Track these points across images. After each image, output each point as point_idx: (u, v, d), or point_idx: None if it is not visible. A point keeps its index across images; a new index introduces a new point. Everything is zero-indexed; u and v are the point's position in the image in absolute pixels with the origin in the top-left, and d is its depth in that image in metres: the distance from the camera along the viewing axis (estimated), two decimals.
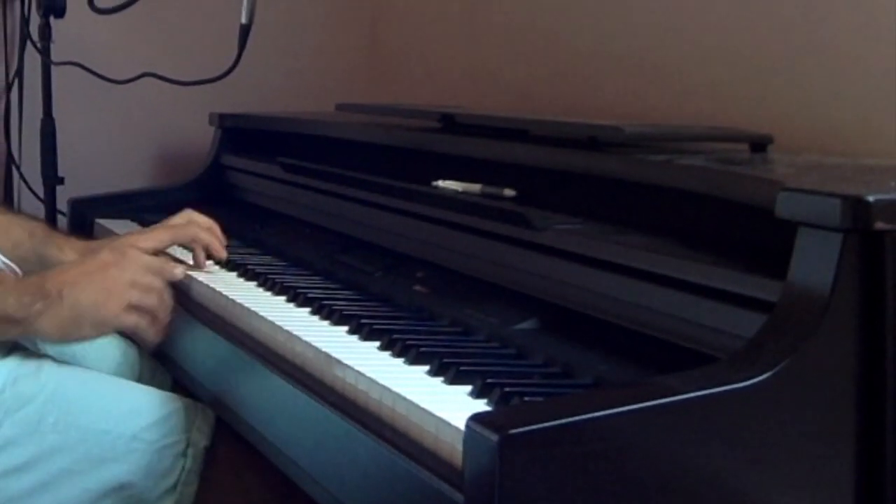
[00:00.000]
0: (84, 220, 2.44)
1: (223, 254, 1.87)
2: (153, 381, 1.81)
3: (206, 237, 1.85)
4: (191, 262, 1.86)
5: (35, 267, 1.81)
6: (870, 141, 1.75)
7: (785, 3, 1.91)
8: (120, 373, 1.84)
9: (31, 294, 1.58)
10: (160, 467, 1.66)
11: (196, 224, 1.86)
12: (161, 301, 1.68)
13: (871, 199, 1.06)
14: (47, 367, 1.68)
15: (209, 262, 1.87)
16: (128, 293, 1.63)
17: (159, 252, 1.80)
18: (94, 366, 1.80)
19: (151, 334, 1.67)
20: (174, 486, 1.67)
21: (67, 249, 1.86)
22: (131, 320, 1.64)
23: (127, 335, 1.95)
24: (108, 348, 1.91)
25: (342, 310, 1.56)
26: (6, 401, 1.61)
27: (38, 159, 2.67)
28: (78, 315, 1.60)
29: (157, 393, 1.72)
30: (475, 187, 1.74)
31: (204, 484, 1.69)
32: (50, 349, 1.75)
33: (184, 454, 1.68)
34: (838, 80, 1.82)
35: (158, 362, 1.90)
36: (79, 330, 1.61)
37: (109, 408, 1.67)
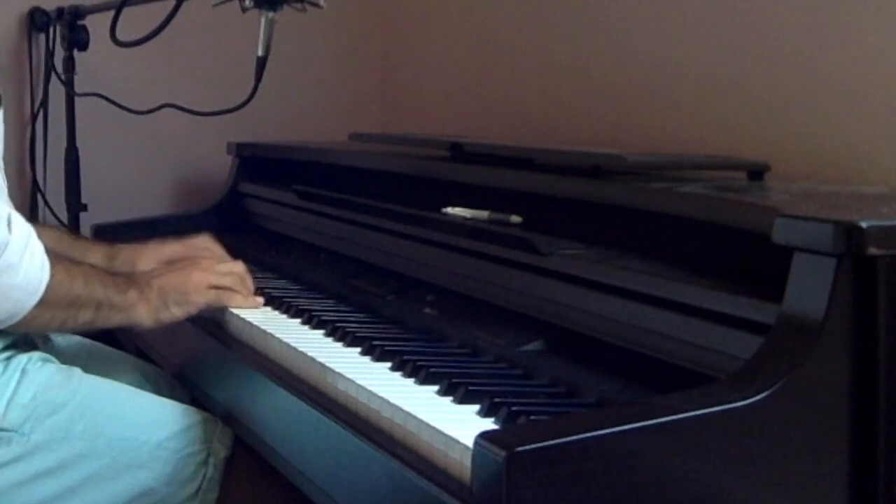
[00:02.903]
0: None
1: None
2: (173, 398, 1.81)
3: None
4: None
5: None
6: (863, 169, 1.76)
7: (781, 39, 1.92)
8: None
9: (126, 285, 1.70)
10: (183, 475, 1.68)
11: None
12: (238, 281, 1.80)
13: (863, 224, 1.06)
14: (77, 377, 1.70)
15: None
16: (206, 276, 1.77)
17: None
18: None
19: (239, 301, 1.78)
20: (196, 493, 1.69)
21: (91, 253, 1.93)
22: (212, 295, 1.76)
23: (149, 357, 1.96)
24: (129, 367, 1.92)
25: (355, 332, 1.56)
26: (38, 408, 1.63)
27: (63, 187, 2.69)
28: (165, 297, 1.71)
29: (180, 405, 1.74)
30: (483, 214, 1.75)
31: (223, 492, 1.70)
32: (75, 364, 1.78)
33: (205, 463, 1.69)
34: (833, 111, 1.82)
35: (178, 381, 1.90)
36: (167, 309, 1.72)
37: (135, 417, 1.69)
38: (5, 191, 1.65)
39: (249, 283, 1.82)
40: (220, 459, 1.70)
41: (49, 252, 1.60)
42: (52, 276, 1.59)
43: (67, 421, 1.64)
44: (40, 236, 1.62)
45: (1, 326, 1.60)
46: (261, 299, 1.82)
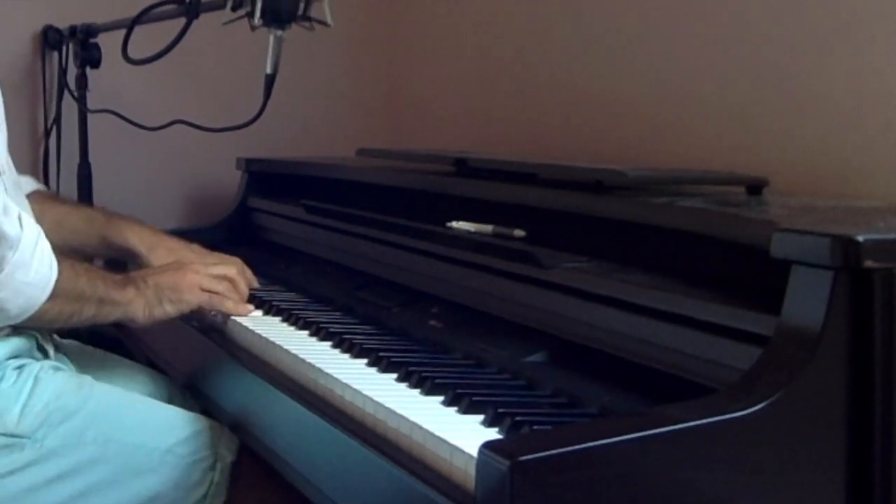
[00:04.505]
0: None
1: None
2: (183, 407, 1.82)
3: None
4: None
5: (99, 250, 2.02)
6: (859, 184, 1.76)
7: (780, 57, 1.92)
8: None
9: (124, 282, 1.74)
10: (191, 480, 1.69)
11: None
12: (230, 288, 1.82)
13: (860, 238, 1.07)
14: (88, 385, 1.72)
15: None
16: (200, 279, 1.79)
17: None
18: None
19: (229, 307, 1.80)
20: (203, 498, 1.70)
21: (127, 229, 2.00)
22: (203, 297, 1.78)
23: (159, 367, 1.97)
24: (140, 378, 1.93)
25: (361, 343, 1.56)
26: (51, 415, 1.65)
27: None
28: (160, 294, 1.75)
29: (187, 413, 1.75)
30: (487, 228, 1.75)
31: (230, 497, 1.71)
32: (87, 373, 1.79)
33: (212, 468, 1.70)
34: (830, 128, 1.83)
35: (188, 392, 1.91)
36: (161, 307, 1.75)
37: (145, 424, 1.70)
38: (19, 191, 1.68)
39: (243, 289, 1.85)
40: (226, 465, 1.71)
41: (55, 250, 1.63)
42: (59, 272, 1.62)
43: (79, 427, 1.65)
44: (62, 222, 1.65)
45: (15, 322, 1.63)
46: (251, 307, 1.84)
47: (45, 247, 1.61)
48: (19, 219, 1.57)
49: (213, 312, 1.81)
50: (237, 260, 1.92)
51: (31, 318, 1.62)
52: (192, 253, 1.96)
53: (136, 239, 1.97)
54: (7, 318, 1.61)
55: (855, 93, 1.78)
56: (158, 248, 1.96)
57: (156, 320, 1.75)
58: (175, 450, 1.68)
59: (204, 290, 1.79)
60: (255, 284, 1.93)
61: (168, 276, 1.78)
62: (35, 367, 1.70)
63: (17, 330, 1.70)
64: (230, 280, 1.83)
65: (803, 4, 1.88)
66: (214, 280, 1.81)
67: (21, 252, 1.55)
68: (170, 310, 1.75)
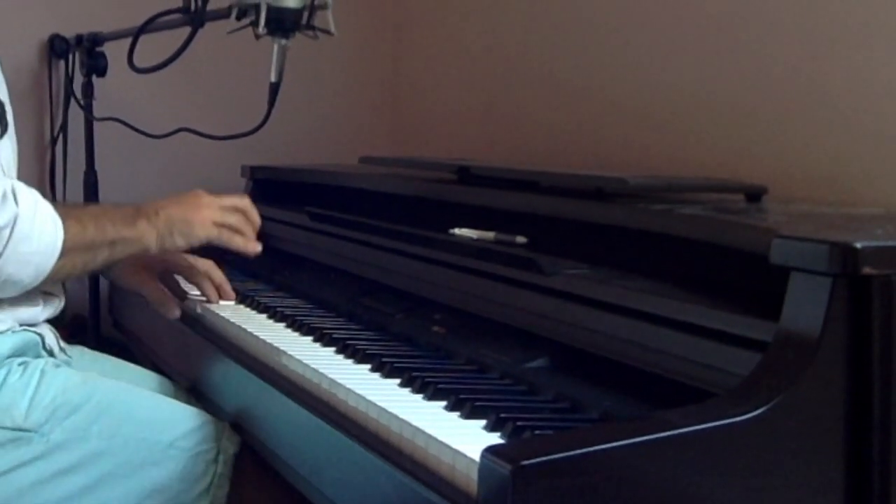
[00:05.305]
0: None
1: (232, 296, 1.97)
2: None
3: (218, 276, 1.95)
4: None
5: None
6: (858, 191, 1.76)
7: (779, 65, 1.92)
8: None
9: (134, 216, 1.73)
10: (194, 472, 1.69)
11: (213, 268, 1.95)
12: (243, 220, 1.84)
13: (858, 245, 1.07)
14: (93, 380, 1.73)
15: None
16: (212, 212, 1.81)
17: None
18: None
19: (239, 242, 1.83)
20: (207, 490, 1.70)
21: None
22: (214, 232, 1.80)
23: (164, 371, 1.97)
24: (146, 380, 1.93)
25: (365, 349, 1.57)
26: (57, 409, 1.65)
27: None
28: (171, 225, 1.75)
29: (190, 407, 1.76)
30: (489, 235, 1.75)
31: (233, 490, 1.72)
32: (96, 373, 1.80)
33: (215, 461, 1.71)
34: (829, 135, 1.83)
35: (192, 395, 1.91)
36: (171, 238, 1.76)
37: (149, 418, 1.71)
38: (13, 168, 1.69)
39: (255, 220, 1.87)
40: (229, 457, 1.72)
41: (57, 207, 1.64)
42: (65, 230, 1.63)
43: (85, 421, 1.66)
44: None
45: (30, 287, 1.64)
46: (259, 245, 1.86)
47: (46, 211, 1.62)
48: (14, 194, 1.57)
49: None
50: (245, 196, 1.93)
51: (46, 280, 1.64)
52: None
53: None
54: (23, 287, 1.63)
55: (854, 100, 1.78)
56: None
57: (166, 251, 1.78)
58: (178, 443, 1.69)
59: (216, 224, 1.80)
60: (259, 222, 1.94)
61: (180, 208, 1.79)
62: (40, 362, 1.71)
63: (22, 328, 1.71)
64: (242, 211, 1.85)
65: (803, 12, 1.88)
66: (226, 212, 1.82)
67: (20, 228, 1.56)
68: (180, 242, 1.77)
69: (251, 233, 1.86)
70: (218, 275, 1.96)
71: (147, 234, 1.73)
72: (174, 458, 1.68)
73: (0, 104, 1.66)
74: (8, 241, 1.56)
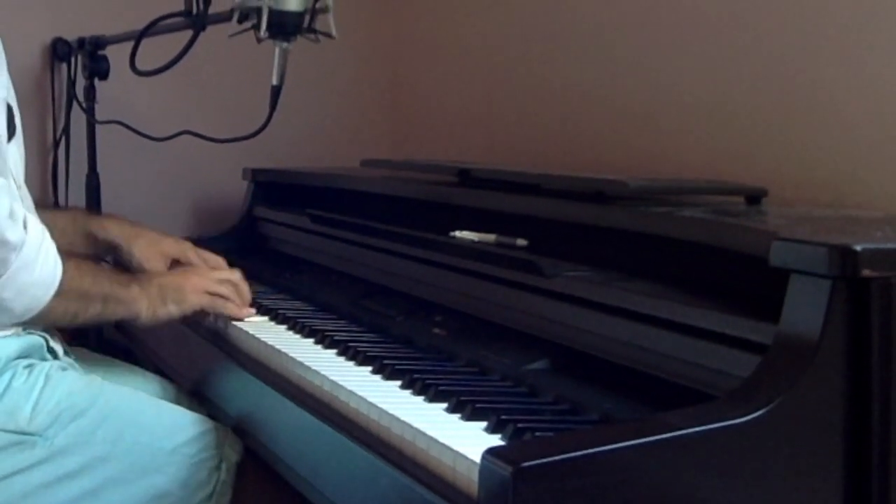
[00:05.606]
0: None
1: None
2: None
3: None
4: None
5: (83, 246, 1.99)
6: (857, 194, 1.76)
7: (779, 69, 1.92)
8: None
9: (129, 281, 1.78)
10: (197, 479, 1.69)
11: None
12: (233, 291, 1.85)
13: (857, 248, 1.07)
14: (98, 384, 1.73)
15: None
16: (204, 282, 1.83)
17: None
18: None
19: (232, 309, 1.83)
20: (209, 497, 1.70)
21: (108, 223, 2.04)
22: (206, 299, 1.81)
23: (167, 375, 1.97)
24: (148, 384, 1.93)
25: (366, 351, 1.57)
26: (61, 413, 1.65)
27: None
28: (164, 294, 1.77)
29: (194, 414, 1.76)
30: (490, 237, 1.75)
31: (235, 497, 1.72)
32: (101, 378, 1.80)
33: (217, 468, 1.71)
34: (829, 138, 1.83)
35: (194, 398, 1.91)
36: (164, 306, 1.77)
37: (153, 424, 1.71)
38: (20, 171, 1.70)
39: (245, 292, 1.87)
40: (231, 464, 1.72)
41: (61, 251, 1.66)
42: (64, 272, 1.64)
43: (89, 426, 1.66)
44: (54, 222, 1.73)
45: (21, 320, 1.65)
46: (253, 310, 1.87)
47: (50, 247, 1.63)
48: (24, 222, 1.59)
49: (212, 317, 1.83)
50: (236, 270, 1.93)
51: (37, 317, 1.65)
52: (175, 242, 2.01)
53: (117, 231, 2.01)
54: (13, 317, 1.64)
55: (854, 104, 1.78)
56: (139, 239, 2.00)
57: (159, 319, 1.77)
58: (181, 449, 1.69)
59: (207, 293, 1.81)
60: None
61: (173, 278, 1.83)
62: (45, 365, 1.71)
63: (27, 330, 1.71)
64: (233, 284, 1.86)
65: (803, 15, 1.88)
66: (218, 283, 1.84)
67: (25, 254, 1.57)
68: (173, 310, 1.78)
69: (243, 302, 1.87)
70: (245, 289, 1.92)
71: (139, 300, 1.74)
72: (177, 465, 1.69)
73: (9, 107, 1.66)
74: (12, 264, 1.56)
